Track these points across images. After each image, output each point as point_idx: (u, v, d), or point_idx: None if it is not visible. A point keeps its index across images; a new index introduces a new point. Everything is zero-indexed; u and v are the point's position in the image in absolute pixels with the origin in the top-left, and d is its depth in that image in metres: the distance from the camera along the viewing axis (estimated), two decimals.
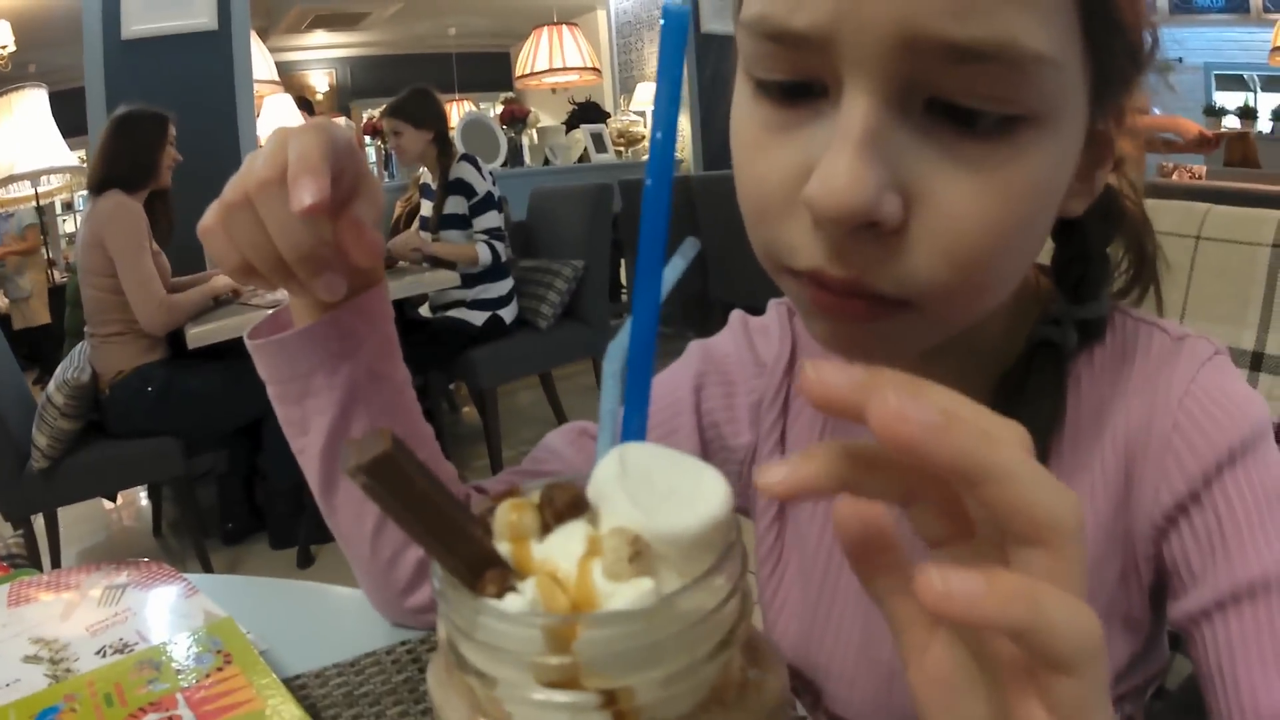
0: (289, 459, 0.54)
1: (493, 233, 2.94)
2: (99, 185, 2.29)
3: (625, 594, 0.22)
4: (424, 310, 3.33)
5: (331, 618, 0.65)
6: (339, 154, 0.42)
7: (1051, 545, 0.24)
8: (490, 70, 9.10)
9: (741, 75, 0.39)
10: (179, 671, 0.55)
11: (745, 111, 0.39)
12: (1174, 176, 2.91)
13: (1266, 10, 6.79)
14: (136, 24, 3.15)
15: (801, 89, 0.36)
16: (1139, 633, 0.48)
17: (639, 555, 0.22)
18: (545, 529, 0.24)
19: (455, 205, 2.97)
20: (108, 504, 3.17)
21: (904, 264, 0.36)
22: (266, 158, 0.42)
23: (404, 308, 3.52)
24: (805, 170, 0.35)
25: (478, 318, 2.99)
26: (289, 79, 6.74)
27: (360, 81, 8.48)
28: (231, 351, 2.60)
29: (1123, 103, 0.40)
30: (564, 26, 5.93)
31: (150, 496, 2.95)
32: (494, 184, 3.01)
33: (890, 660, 0.50)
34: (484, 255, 2.92)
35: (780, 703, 0.26)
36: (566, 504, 0.24)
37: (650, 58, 5.98)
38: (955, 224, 0.35)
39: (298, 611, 0.66)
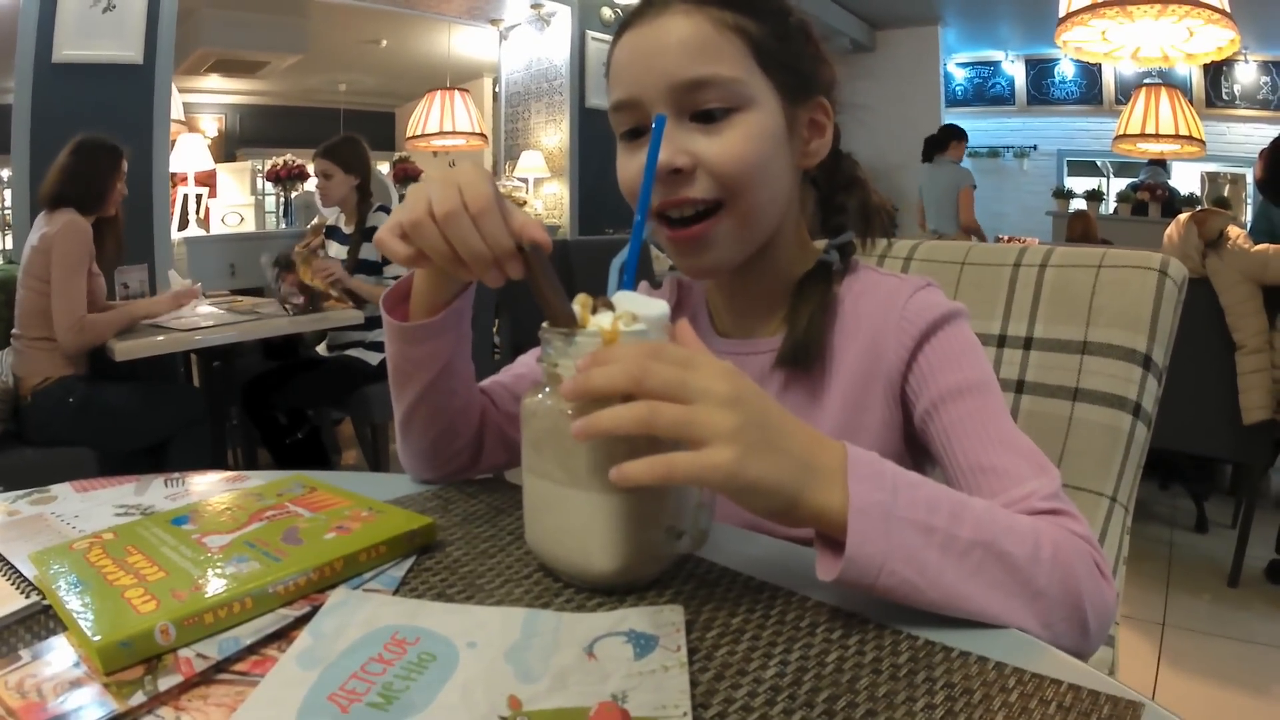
0: None
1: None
2: (53, 201, 2.38)
3: (629, 331, 0.53)
4: (321, 349, 3.45)
5: None
6: (507, 212, 0.59)
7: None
8: (375, 128, 9.20)
9: (619, 138, 0.75)
10: (279, 494, 0.71)
11: (619, 150, 0.74)
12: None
13: (1118, 102, 6.76)
14: (68, 49, 3.24)
15: (637, 132, 0.72)
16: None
17: (634, 319, 0.54)
18: (594, 312, 0.55)
19: (369, 252, 3.10)
20: None
21: (700, 184, 0.70)
22: (442, 195, 0.57)
23: (297, 347, 3.59)
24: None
25: (374, 358, 3.10)
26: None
27: (248, 129, 8.51)
28: (149, 374, 2.69)
29: (815, 102, 0.75)
30: (456, 91, 5.97)
31: None
32: None
33: None
34: None
35: None
36: (604, 303, 0.55)
37: (536, 128, 5.98)
38: (714, 161, 0.69)
39: None
